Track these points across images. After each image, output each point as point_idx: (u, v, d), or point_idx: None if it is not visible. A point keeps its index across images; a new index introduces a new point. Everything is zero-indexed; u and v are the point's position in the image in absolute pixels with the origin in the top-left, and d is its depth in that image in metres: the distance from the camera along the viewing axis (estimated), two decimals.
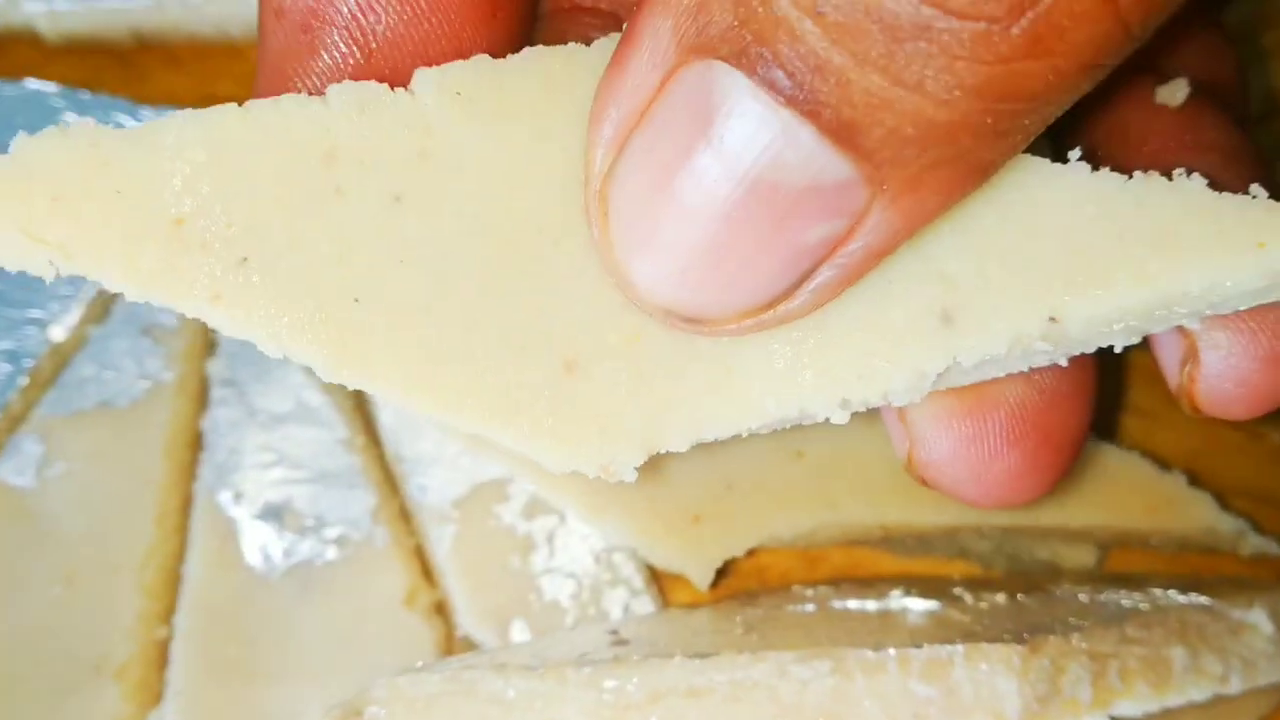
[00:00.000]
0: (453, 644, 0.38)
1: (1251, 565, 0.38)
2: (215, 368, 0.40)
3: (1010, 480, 0.27)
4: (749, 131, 0.19)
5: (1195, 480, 0.38)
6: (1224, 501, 0.38)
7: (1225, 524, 0.38)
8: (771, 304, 0.21)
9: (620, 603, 0.38)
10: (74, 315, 0.41)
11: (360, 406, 0.40)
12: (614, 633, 0.34)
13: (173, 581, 0.38)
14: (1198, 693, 0.32)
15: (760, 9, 0.18)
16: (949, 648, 0.31)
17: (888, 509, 0.37)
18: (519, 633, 0.37)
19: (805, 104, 0.18)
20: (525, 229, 0.22)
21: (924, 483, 0.28)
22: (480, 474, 0.39)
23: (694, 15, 0.18)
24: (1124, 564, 0.39)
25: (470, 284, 0.22)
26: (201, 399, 0.40)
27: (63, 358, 0.41)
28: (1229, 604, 0.35)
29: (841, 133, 0.18)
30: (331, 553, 0.38)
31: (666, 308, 0.21)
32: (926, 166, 0.19)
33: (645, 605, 0.38)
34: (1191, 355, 0.26)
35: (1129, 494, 0.38)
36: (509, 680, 0.31)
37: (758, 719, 0.30)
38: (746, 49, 0.18)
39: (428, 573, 0.38)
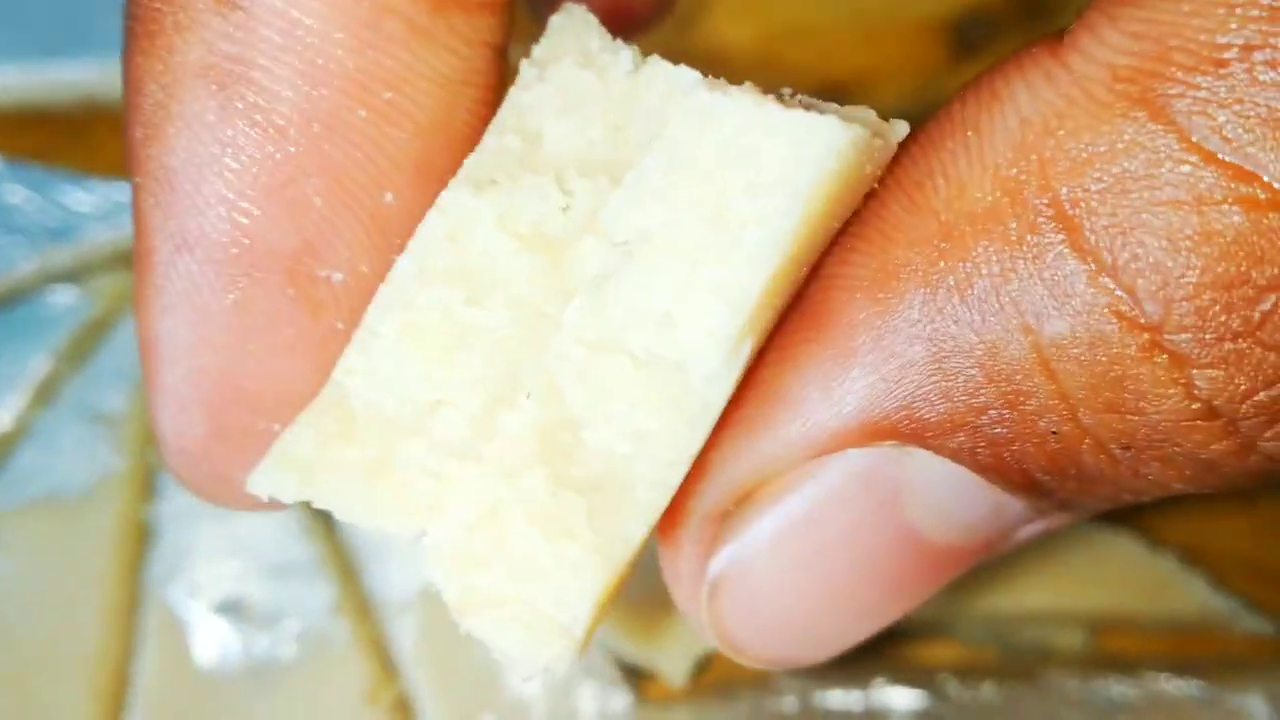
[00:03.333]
0: None
1: (1248, 645, 0.37)
2: None
3: None
4: (943, 507, 0.18)
5: (1188, 557, 0.37)
6: (1219, 578, 0.37)
7: (1219, 604, 0.36)
8: None
9: (592, 697, 0.36)
10: (19, 400, 0.39)
11: None
12: None
13: (123, 682, 0.37)
14: None
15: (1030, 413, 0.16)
16: None
17: None
18: None
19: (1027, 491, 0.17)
20: None
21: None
22: None
23: (922, 385, 0.16)
24: (1115, 645, 0.37)
25: None
26: (151, 488, 0.39)
27: (7, 446, 0.39)
28: (1224, 688, 0.34)
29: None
30: (290, 649, 0.37)
31: (759, 658, 0.20)
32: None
33: (619, 699, 0.36)
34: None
35: (1119, 575, 0.37)
36: None
37: None
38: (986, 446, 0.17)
39: (388, 668, 0.37)
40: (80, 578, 0.38)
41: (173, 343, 0.19)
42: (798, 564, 0.18)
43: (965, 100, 0.16)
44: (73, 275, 0.42)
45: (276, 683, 0.36)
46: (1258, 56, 0.13)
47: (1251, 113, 0.13)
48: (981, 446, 0.17)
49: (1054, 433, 0.16)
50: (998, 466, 0.17)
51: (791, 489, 0.18)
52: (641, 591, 0.36)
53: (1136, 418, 0.15)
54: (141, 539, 0.38)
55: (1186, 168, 0.14)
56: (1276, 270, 0.14)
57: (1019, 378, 0.16)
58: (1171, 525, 0.37)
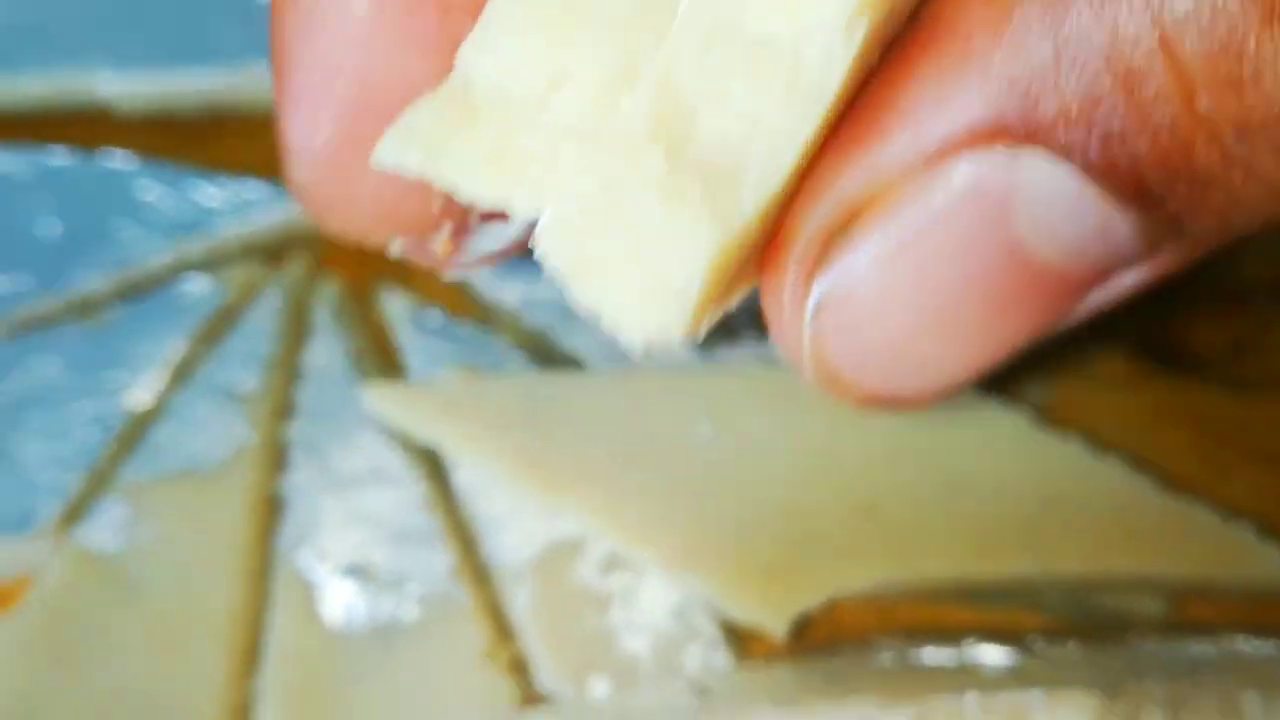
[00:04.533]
0: (531, 699, 0.38)
1: None
2: (295, 431, 0.42)
3: None
4: (1051, 218, 0.17)
5: (1264, 529, 0.38)
6: None
7: None
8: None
9: (698, 657, 0.38)
10: (157, 380, 0.42)
11: (436, 468, 0.42)
12: (695, 685, 0.35)
13: (256, 640, 0.39)
14: None
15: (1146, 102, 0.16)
16: (1028, 694, 0.32)
17: (962, 562, 0.38)
18: (597, 687, 0.38)
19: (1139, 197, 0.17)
20: None
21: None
22: (556, 533, 0.40)
23: (1043, 85, 0.16)
24: (1193, 613, 0.39)
25: None
26: (282, 462, 0.42)
27: (146, 423, 0.42)
28: None
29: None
30: (412, 610, 0.39)
31: (866, 394, 0.19)
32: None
33: (722, 659, 0.38)
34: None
35: (1196, 545, 0.38)
36: None
37: None
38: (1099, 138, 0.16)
39: (505, 630, 0.39)
40: (215, 544, 0.40)
41: (308, 46, 0.20)
42: (904, 280, 0.18)
43: None
44: (205, 265, 0.45)
45: (399, 642, 0.39)
46: None
47: None
48: (1094, 144, 0.16)
49: (1168, 125, 0.16)
50: (1108, 166, 0.17)
51: (901, 202, 0.17)
52: (748, 555, 0.38)
53: (1253, 95, 0.15)
54: (272, 509, 0.41)
55: None
56: None
57: (1139, 61, 0.15)
58: (1247, 496, 0.39)
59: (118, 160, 0.45)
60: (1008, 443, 0.40)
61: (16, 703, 0.38)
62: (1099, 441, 0.40)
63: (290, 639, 0.39)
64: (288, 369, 0.44)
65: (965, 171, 0.17)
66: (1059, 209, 0.17)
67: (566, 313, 0.43)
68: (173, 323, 0.43)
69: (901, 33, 0.18)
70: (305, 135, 0.20)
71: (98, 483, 0.41)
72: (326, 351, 0.43)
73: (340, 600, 0.39)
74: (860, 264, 0.18)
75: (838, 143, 0.18)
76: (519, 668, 0.39)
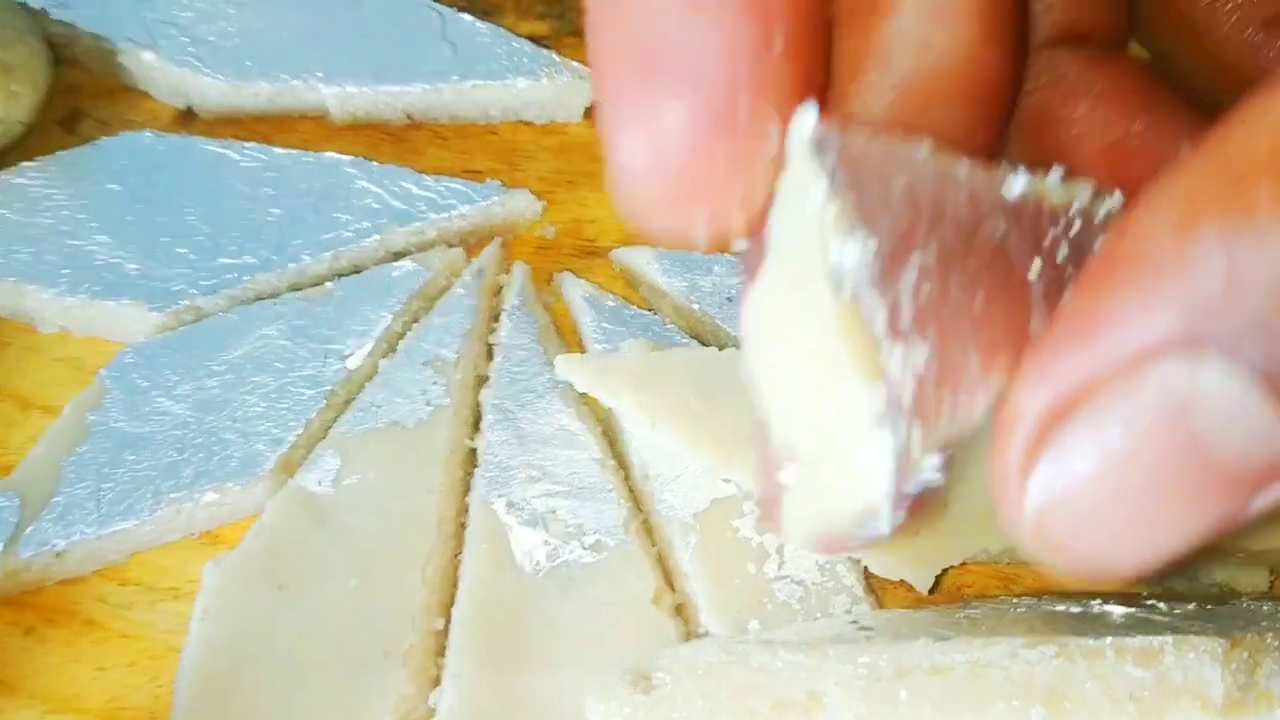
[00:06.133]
0: (693, 639, 0.42)
1: None
2: (487, 396, 0.47)
3: None
4: (1226, 421, 0.19)
5: None
6: None
7: None
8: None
9: (843, 608, 0.42)
10: (367, 348, 0.48)
11: (610, 431, 0.47)
12: (857, 622, 0.39)
13: (451, 578, 0.44)
14: None
15: None
16: (1159, 638, 0.35)
17: None
18: (754, 630, 0.42)
19: None
20: None
21: None
22: (718, 491, 0.44)
23: (1214, 304, 0.18)
24: None
25: None
26: (476, 422, 0.47)
27: (357, 385, 0.47)
28: None
29: None
30: (588, 557, 0.43)
31: (1071, 566, 0.22)
32: None
33: (865, 610, 0.42)
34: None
35: None
36: (776, 653, 0.36)
37: (992, 694, 0.35)
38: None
39: (671, 577, 0.44)
40: (416, 491, 0.44)
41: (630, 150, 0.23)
42: (1110, 476, 0.20)
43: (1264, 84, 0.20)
44: (409, 251, 0.50)
45: (577, 584, 0.42)
46: None
47: None
48: (1264, 360, 0.19)
49: None
50: (1275, 380, 0.19)
51: (1109, 400, 0.20)
52: None
53: None
54: (468, 462, 0.46)
55: None
56: None
57: None
58: None
59: (334, 158, 0.51)
60: None
61: (237, 627, 0.42)
62: None
63: (482, 578, 0.43)
64: (482, 342, 0.49)
65: (1159, 374, 0.19)
66: (1233, 413, 0.19)
67: (725, 299, 0.48)
68: (383, 300, 0.48)
69: (1107, 240, 0.21)
70: (641, 165, 0.23)
71: (314, 436, 0.46)
72: (515, 328, 0.48)
73: (526, 545, 0.43)
74: (1076, 464, 0.20)
75: (1053, 341, 0.21)
76: (682, 612, 0.43)
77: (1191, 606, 0.40)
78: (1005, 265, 0.23)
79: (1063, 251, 0.24)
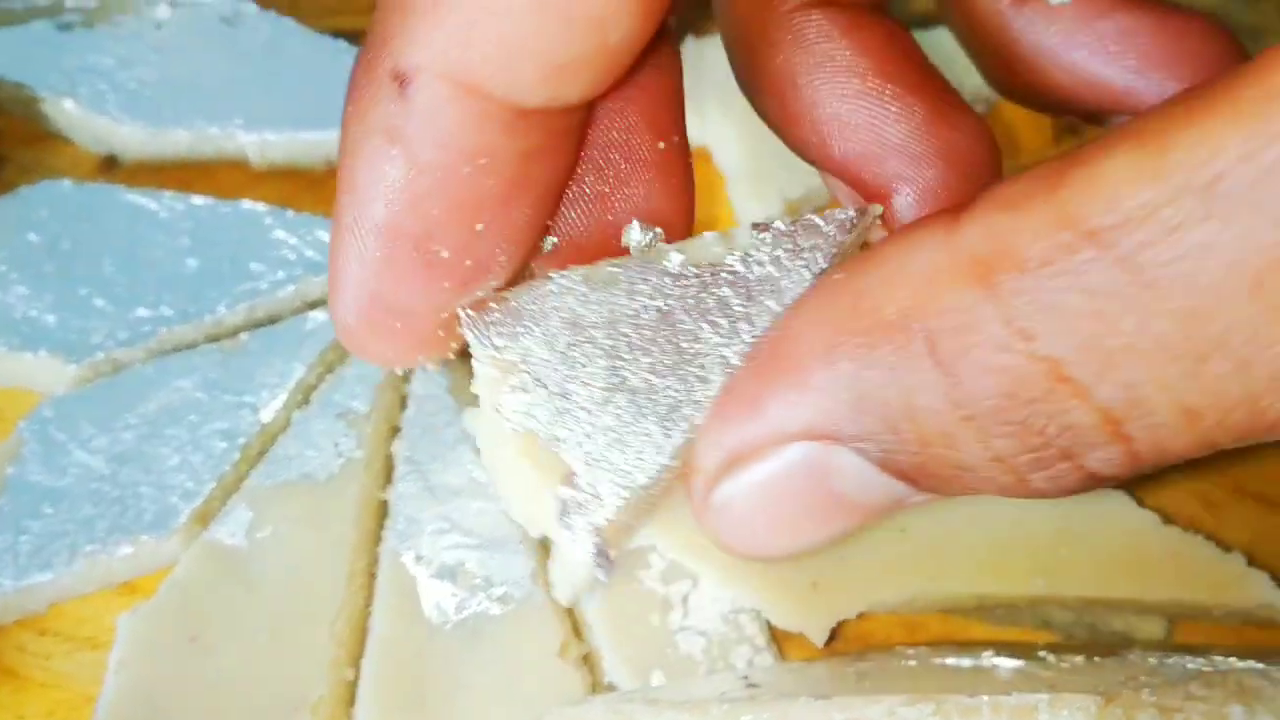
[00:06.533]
0: (599, 690, 0.43)
1: None
2: (399, 448, 0.47)
3: None
4: (856, 484, 0.27)
5: (1254, 561, 0.43)
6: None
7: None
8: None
9: (745, 658, 0.43)
10: (280, 400, 0.48)
11: None
12: (745, 678, 0.39)
13: (361, 629, 0.44)
14: None
15: (938, 449, 0.25)
16: (1035, 696, 0.36)
17: (982, 581, 0.42)
18: (657, 681, 0.43)
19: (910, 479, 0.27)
20: None
21: None
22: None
23: (845, 415, 0.26)
24: (1190, 636, 0.44)
25: None
26: (387, 474, 0.47)
27: (270, 436, 0.48)
28: None
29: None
30: (496, 609, 0.44)
31: (740, 553, 0.30)
32: None
33: (766, 660, 0.43)
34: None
35: (1194, 572, 0.43)
36: (660, 713, 0.37)
37: None
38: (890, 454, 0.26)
39: (577, 628, 0.44)
40: (327, 544, 0.45)
41: (346, 272, 0.29)
42: (763, 507, 0.28)
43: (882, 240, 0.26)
44: (324, 301, 0.51)
45: (485, 636, 0.43)
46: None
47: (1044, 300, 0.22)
48: (876, 453, 0.26)
49: (914, 455, 0.25)
50: (889, 468, 0.26)
51: (761, 461, 0.27)
52: (791, 570, 0.43)
53: (948, 451, 0.25)
54: (379, 514, 0.46)
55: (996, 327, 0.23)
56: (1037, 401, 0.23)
57: (891, 412, 0.25)
58: (1239, 532, 0.44)
59: (251, 207, 0.52)
60: None
61: (151, 678, 0.42)
62: None
63: (391, 630, 0.43)
64: (396, 392, 0.50)
65: (801, 449, 0.27)
66: (861, 480, 0.27)
67: None
68: (296, 351, 0.49)
69: (773, 336, 0.28)
70: (342, 318, 0.30)
71: (227, 489, 0.47)
72: (428, 380, 0.49)
73: (435, 598, 0.44)
74: (737, 494, 0.28)
75: (724, 413, 0.28)
76: (588, 662, 0.44)
77: (1079, 660, 0.41)
78: (672, 337, 0.29)
79: (736, 294, 0.29)
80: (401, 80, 0.26)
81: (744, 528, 0.28)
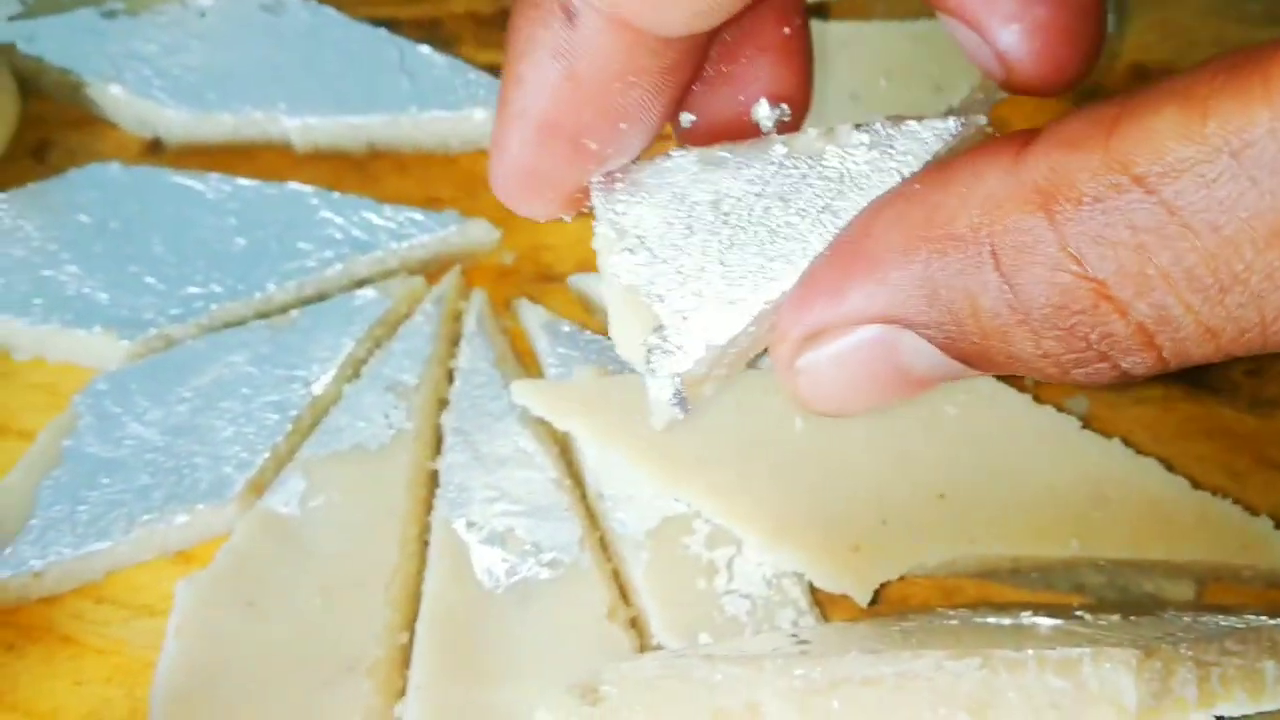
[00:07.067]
0: (648, 651, 0.44)
1: None
2: (448, 419, 0.49)
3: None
4: (919, 361, 0.30)
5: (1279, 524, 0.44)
6: None
7: None
8: None
9: (789, 620, 0.44)
10: (331, 374, 0.49)
11: (566, 452, 0.48)
12: (795, 636, 0.41)
13: (414, 595, 0.46)
14: None
15: (983, 321, 0.28)
16: (1078, 649, 0.37)
17: (1019, 543, 0.44)
18: (704, 642, 0.44)
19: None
20: None
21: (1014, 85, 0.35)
22: (669, 510, 0.46)
23: (917, 306, 0.29)
24: (1218, 598, 0.45)
25: None
26: (437, 445, 0.49)
27: (322, 409, 0.49)
28: None
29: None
30: (545, 573, 0.45)
31: (819, 411, 0.33)
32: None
33: (810, 622, 0.44)
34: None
35: (1223, 534, 0.44)
36: (715, 667, 0.38)
37: (918, 704, 0.37)
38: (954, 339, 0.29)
39: (625, 592, 0.46)
40: (380, 512, 0.46)
41: (507, 150, 0.33)
42: (838, 374, 0.31)
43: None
44: (372, 279, 0.52)
45: (535, 599, 0.44)
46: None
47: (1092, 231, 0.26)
48: (943, 340, 0.29)
49: (976, 342, 0.28)
50: (950, 351, 0.29)
51: (840, 336, 0.30)
52: (834, 534, 0.44)
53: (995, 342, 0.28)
54: (430, 483, 0.48)
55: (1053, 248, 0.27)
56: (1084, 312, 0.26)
57: (963, 311, 0.28)
58: (1264, 497, 0.45)
59: (297, 188, 0.53)
60: (1058, 444, 0.46)
61: (209, 642, 0.44)
62: (1136, 448, 0.46)
63: (443, 594, 0.45)
64: (443, 366, 0.51)
65: (874, 329, 0.30)
66: (924, 358, 0.30)
67: None
68: (346, 326, 0.50)
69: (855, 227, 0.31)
70: (506, 173, 0.33)
71: (280, 459, 0.48)
72: (474, 353, 0.50)
73: (486, 563, 0.45)
74: (819, 361, 0.31)
75: (807, 293, 0.31)
76: (636, 625, 0.45)
77: (1116, 618, 0.42)
78: (766, 219, 0.32)
79: (829, 187, 0.32)
80: (569, 12, 0.30)
81: (820, 389, 0.32)
